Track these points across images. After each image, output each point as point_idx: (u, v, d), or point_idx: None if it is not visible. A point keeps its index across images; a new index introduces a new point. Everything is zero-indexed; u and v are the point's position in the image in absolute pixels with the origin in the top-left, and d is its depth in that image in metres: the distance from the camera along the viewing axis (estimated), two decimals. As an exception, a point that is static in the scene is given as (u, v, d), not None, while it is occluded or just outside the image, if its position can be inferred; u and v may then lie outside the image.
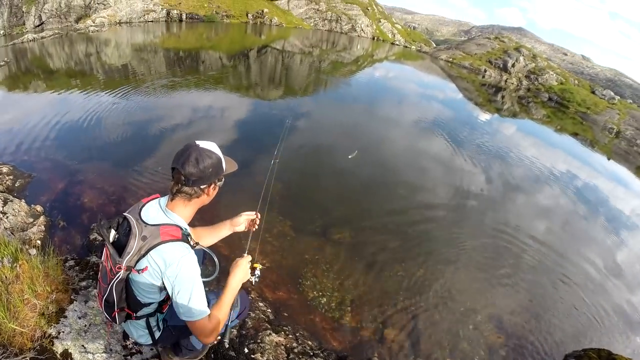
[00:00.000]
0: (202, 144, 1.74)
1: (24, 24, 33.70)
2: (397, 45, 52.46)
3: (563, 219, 8.40)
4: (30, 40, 19.94)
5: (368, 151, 9.03)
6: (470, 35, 75.96)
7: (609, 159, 17.72)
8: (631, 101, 39.15)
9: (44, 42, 19.90)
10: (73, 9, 34.21)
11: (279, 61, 21.57)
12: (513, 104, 24.63)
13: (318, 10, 52.19)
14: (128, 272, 1.67)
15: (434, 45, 57.22)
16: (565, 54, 70.86)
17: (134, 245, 1.63)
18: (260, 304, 3.78)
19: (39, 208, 4.63)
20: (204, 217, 4.40)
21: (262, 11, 44.69)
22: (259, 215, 2.27)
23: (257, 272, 1.98)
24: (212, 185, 1.80)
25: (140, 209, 1.77)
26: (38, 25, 33.41)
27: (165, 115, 9.20)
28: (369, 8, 59.42)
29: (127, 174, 5.92)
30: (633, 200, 12.33)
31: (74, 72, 13.51)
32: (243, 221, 2.26)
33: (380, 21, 59.66)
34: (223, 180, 1.86)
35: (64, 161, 6.19)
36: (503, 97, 26.68)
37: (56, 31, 24.64)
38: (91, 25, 27.77)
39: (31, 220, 4.37)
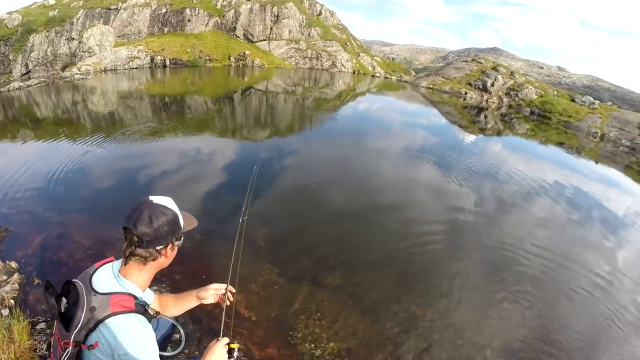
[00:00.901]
0: (156, 199, 1.60)
1: (11, 72, 34.83)
2: (378, 77, 53.77)
3: (561, 229, 8.37)
4: (16, 89, 20.31)
5: (355, 185, 8.95)
6: (448, 61, 78.06)
7: (596, 162, 17.91)
8: (611, 103, 39.98)
9: (30, 91, 20.21)
10: (59, 57, 35.55)
11: (262, 102, 21.84)
12: (496, 122, 24.97)
13: (298, 49, 53.72)
14: (77, 348, 1.47)
15: (414, 74, 58.71)
16: (542, 67, 72.89)
17: (81, 317, 1.45)
18: (247, 365, 3.52)
19: (13, 264, 4.50)
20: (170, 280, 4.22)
21: (244, 53, 45.96)
22: (230, 289, 2.06)
23: (235, 353, 1.77)
24: (170, 246, 1.63)
25: (92, 275, 1.58)
26: (25, 74, 34.57)
27: (147, 163, 9.12)
28: (348, 43, 61.26)
29: (106, 227, 5.75)
30: (626, 198, 12.49)
31: (60, 120, 13.61)
32: (210, 295, 2.06)
33: (359, 55, 61.39)
34: (182, 239, 1.70)
35: (42, 213, 6.08)
36: (486, 116, 27.08)
37: (42, 79, 25.18)
38: (77, 73, 28.32)
39: (5, 277, 4.21)
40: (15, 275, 4.25)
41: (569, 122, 30.03)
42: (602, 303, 5.52)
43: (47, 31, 36.47)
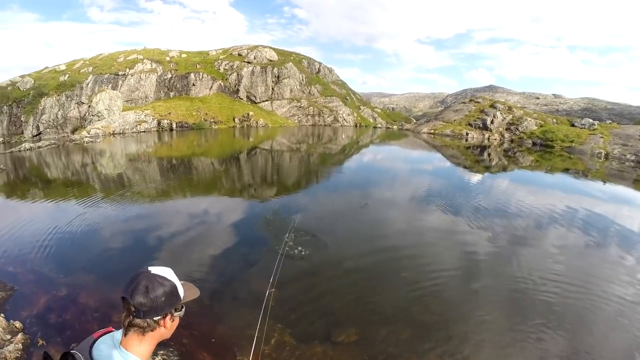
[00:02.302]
0: (155, 270, 1.59)
1: (22, 133, 36.13)
2: (380, 127, 55.01)
3: (578, 256, 8.36)
4: (27, 149, 21.42)
5: (364, 237, 8.98)
6: (446, 104, 79.74)
7: (604, 182, 18.00)
8: (610, 121, 40.15)
9: (41, 152, 21.16)
10: (69, 120, 37.13)
11: (268, 161, 22.24)
12: (500, 159, 25.18)
13: (300, 107, 55.54)
14: None
15: (415, 121, 59.76)
16: (538, 98, 73.93)
17: None
18: None
19: (18, 324, 4.51)
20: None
21: (248, 114, 47.71)
22: None
23: None
24: (169, 317, 1.59)
25: (91, 347, 1.54)
26: (36, 135, 35.71)
27: (156, 226, 9.24)
28: (348, 98, 63.28)
29: (114, 289, 5.71)
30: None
31: (69, 181, 14.08)
32: None
33: (360, 108, 63.19)
34: (183, 309, 1.66)
35: (48, 274, 6.15)
36: (489, 154, 27.41)
37: (52, 141, 26.44)
38: (86, 136, 29.75)
39: (9, 337, 4.21)
40: (19, 335, 4.27)
41: (572, 147, 30.23)
42: (633, 322, 5.51)
43: (58, 95, 38.39)
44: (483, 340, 5.10)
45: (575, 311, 5.83)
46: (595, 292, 6.41)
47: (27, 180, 14.41)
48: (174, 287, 1.60)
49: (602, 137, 30.70)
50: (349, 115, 57.26)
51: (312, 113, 55.53)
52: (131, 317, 1.51)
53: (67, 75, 42.78)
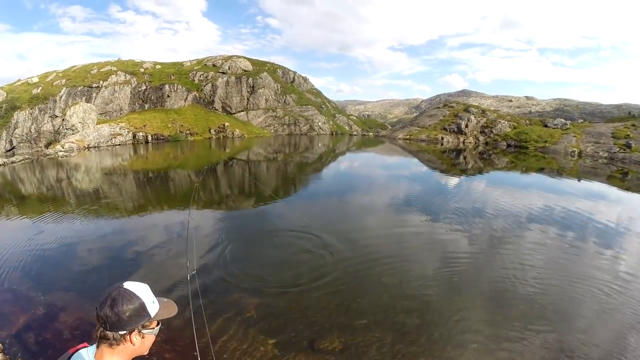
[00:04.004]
0: (128, 285, 1.57)
1: None
2: (356, 135, 55.41)
3: (557, 251, 8.35)
4: (1, 165, 20.91)
5: (343, 244, 8.67)
6: (421, 110, 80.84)
7: (579, 180, 18.32)
8: (582, 120, 41.39)
9: (15, 167, 20.78)
10: (43, 134, 36.08)
11: (245, 171, 21.96)
12: (476, 161, 25.45)
13: (276, 117, 55.31)
14: None
15: (390, 127, 60.49)
16: (511, 100, 75.84)
17: None
18: None
19: None
20: None
21: (224, 125, 47.17)
22: None
23: None
24: (135, 332, 1.54)
25: None
26: (9, 150, 34.62)
27: (134, 240, 8.99)
28: (323, 106, 63.46)
29: (92, 306, 5.37)
30: (615, 207, 12.89)
31: (45, 197, 13.79)
32: None
33: (335, 116, 63.43)
34: (157, 327, 1.63)
35: (27, 292, 6.04)
36: (465, 157, 27.67)
37: (26, 156, 25.87)
38: (60, 151, 29.09)
39: None
40: (0, 356, 4.19)
41: (545, 147, 30.84)
42: (616, 309, 5.55)
43: (31, 108, 37.14)
44: (467, 340, 4.97)
45: (557, 304, 5.82)
46: (578, 283, 6.46)
47: (1, 197, 13.90)
48: (142, 305, 1.56)
49: (574, 136, 31.46)
50: (324, 123, 57.35)
51: (287, 122, 55.36)
52: (101, 329, 1.52)
53: (40, 88, 41.72)
